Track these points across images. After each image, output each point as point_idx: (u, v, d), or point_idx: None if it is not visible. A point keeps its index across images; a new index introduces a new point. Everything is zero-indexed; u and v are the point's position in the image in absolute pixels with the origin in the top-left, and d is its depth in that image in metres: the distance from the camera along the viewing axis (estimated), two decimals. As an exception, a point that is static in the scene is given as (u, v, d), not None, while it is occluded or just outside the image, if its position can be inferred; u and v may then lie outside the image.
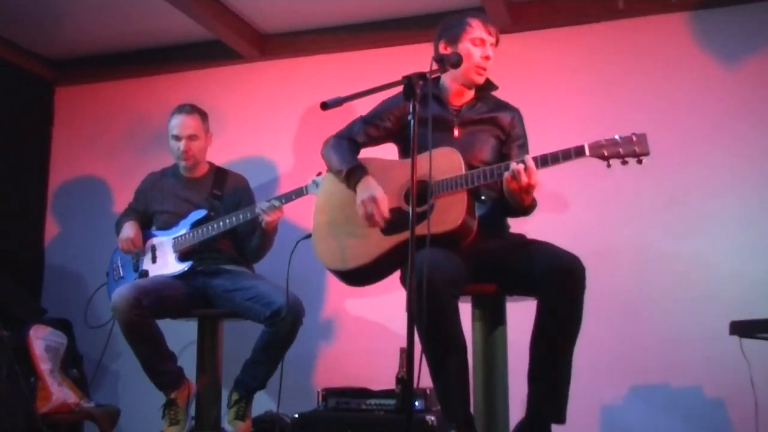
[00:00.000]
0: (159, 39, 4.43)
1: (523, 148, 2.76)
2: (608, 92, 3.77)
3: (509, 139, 2.76)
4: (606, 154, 2.33)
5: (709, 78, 3.64)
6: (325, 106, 2.25)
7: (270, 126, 4.32)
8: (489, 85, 2.79)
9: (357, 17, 4.13)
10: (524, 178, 2.37)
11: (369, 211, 2.56)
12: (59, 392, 3.61)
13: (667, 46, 3.73)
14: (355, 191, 2.65)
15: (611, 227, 3.65)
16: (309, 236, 2.81)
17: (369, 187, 2.61)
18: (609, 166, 2.35)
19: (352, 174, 2.67)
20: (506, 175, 2.40)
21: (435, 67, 2.36)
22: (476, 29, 2.68)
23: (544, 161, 2.41)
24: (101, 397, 4.06)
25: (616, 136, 2.33)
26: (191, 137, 3.51)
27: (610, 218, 3.65)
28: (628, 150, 2.31)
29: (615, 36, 3.81)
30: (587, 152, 2.35)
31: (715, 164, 3.57)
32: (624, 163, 2.33)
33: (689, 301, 3.47)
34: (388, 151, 2.83)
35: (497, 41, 2.74)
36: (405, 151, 2.78)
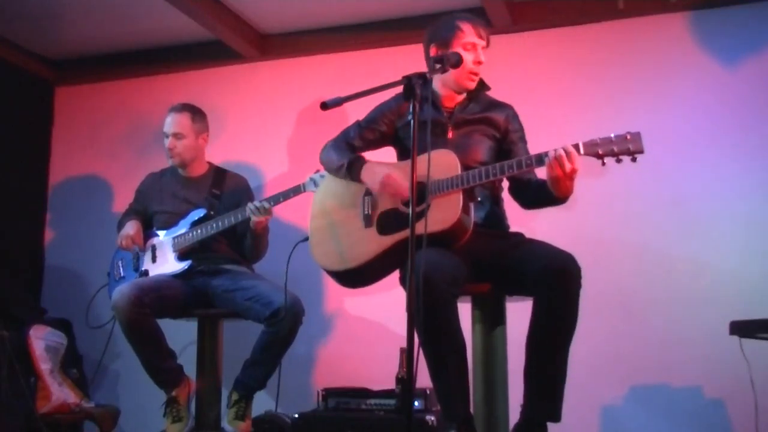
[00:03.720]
0: (159, 39, 4.43)
1: (523, 140, 2.77)
2: (608, 92, 3.77)
3: (507, 135, 2.75)
4: (600, 152, 2.33)
5: (709, 78, 3.64)
6: (324, 106, 2.25)
7: (270, 126, 4.32)
8: (481, 85, 2.78)
9: (357, 17, 4.13)
10: (568, 164, 2.34)
11: (391, 192, 2.57)
12: (59, 392, 3.61)
13: (667, 46, 3.73)
14: (359, 180, 2.67)
15: (611, 227, 3.65)
16: (306, 239, 2.83)
17: (375, 171, 2.62)
18: (603, 164, 2.35)
19: (353, 165, 2.68)
20: (547, 162, 2.37)
21: (435, 66, 2.36)
22: (467, 34, 2.65)
23: (538, 160, 2.41)
24: (101, 397, 4.07)
25: (612, 135, 2.33)
26: (176, 135, 3.53)
27: (609, 218, 3.65)
28: (622, 148, 2.31)
29: (615, 36, 3.81)
30: (581, 150, 2.35)
31: (715, 164, 3.57)
32: (618, 161, 2.33)
33: (689, 301, 3.48)
34: (386, 156, 2.84)
35: (488, 42, 2.71)
36: (403, 154, 2.79)
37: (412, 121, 2.16)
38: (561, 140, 2.43)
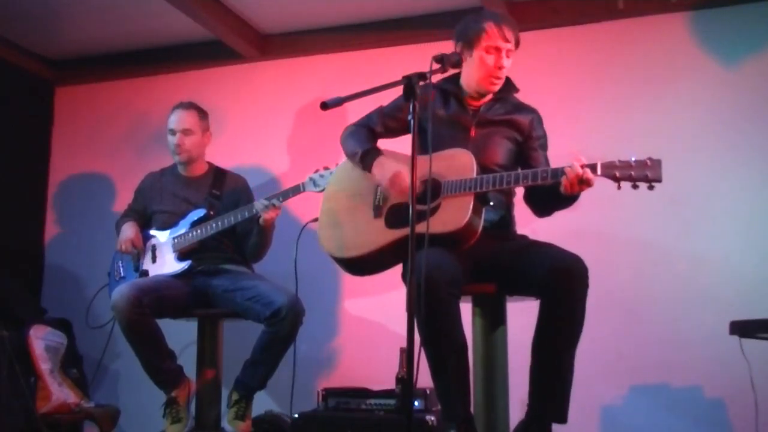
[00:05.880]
0: (159, 39, 4.43)
1: (544, 147, 2.74)
2: (608, 92, 3.76)
3: (529, 140, 2.71)
4: (617, 175, 2.28)
5: (709, 78, 3.64)
6: (325, 106, 2.25)
7: (270, 126, 4.32)
8: (509, 87, 2.74)
9: (357, 17, 4.13)
10: (583, 185, 2.32)
11: (398, 191, 2.55)
12: (59, 392, 3.61)
13: (667, 46, 3.73)
14: (370, 172, 2.66)
15: (611, 226, 3.64)
16: (315, 219, 2.82)
17: (386, 167, 2.60)
18: (619, 188, 2.30)
19: (367, 155, 2.68)
20: (563, 180, 2.33)
21: (435, 66, 2.35)
22: (491, 37, 2.60)
23: (554, 174, 2.37)
24: (101, 397, 4.07)
25: (632, 159, 2.28)
26: (185, 131, 3.53)
27: (610, 217, 3.65)
28: (640, 174, 2.26)
29: (615, 36, 3.81)
30: (599, 171, 2.31)
31: (715, 164, 3.57)
32: (635, 187, 2.28)
33: (689, 301, 3.47)
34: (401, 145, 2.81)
35: (517, 44, 2.65)
36: (422, 146, 2.73)
37: (411, 121, 2.16)
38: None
